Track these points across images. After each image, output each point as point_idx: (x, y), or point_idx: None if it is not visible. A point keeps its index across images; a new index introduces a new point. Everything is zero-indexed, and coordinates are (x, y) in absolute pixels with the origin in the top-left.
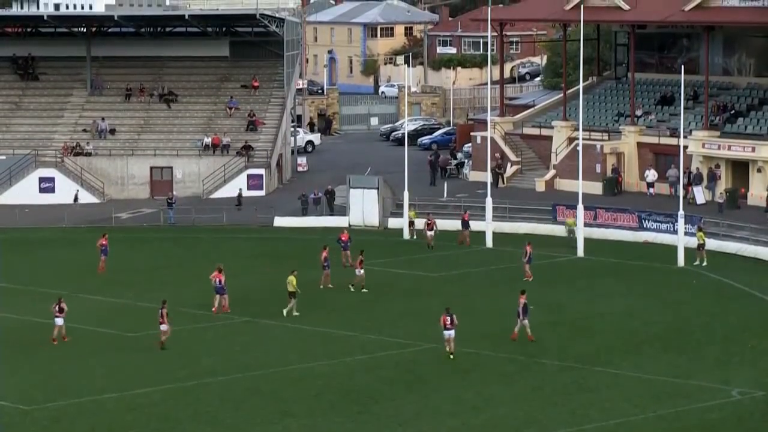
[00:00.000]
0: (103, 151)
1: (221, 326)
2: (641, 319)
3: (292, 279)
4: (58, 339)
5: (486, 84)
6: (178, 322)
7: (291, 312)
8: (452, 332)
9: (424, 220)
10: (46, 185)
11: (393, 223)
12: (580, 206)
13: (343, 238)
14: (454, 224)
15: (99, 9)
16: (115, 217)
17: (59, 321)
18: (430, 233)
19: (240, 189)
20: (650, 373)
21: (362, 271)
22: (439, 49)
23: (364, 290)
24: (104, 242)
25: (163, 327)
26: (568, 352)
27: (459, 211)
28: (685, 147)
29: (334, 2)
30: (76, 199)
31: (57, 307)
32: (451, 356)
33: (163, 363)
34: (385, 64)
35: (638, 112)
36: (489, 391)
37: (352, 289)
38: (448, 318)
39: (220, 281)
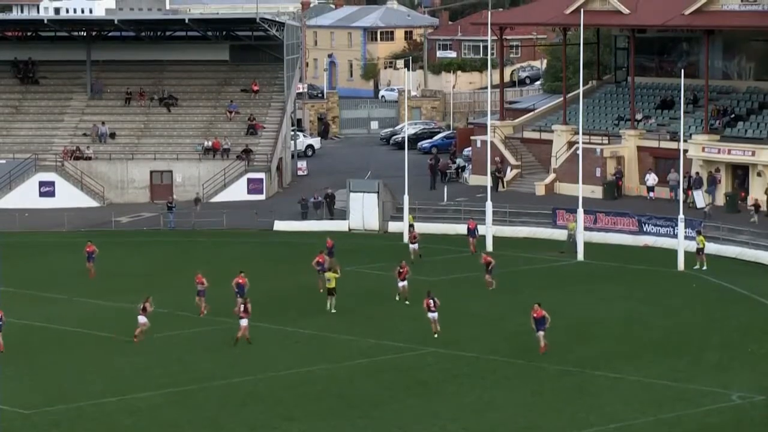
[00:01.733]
0: (103, 155)
1: (221, 330)
2: (641, 323)
3: (331, 276)
4: (140, 336)
5: (486, 88)
6: (177, 326)
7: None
8: (435, 314)
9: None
10: (46, 189)
11: (393, 227)
12: (580, 210)
13: (327, 245)
14: (453, 228)
15: (99, 13)
16: (115, 221)
17: (142, 319)
18: (412, 246)
19: (328, 188)
20: (650, 377)
21: (404, 282)
22: (439, 53)
23: (407, 302)
24: (90, 249)
25: (245, 322)
26: (568, 357)
27: (459, 215)
28: (686, 151)
29: (334, 6)
30: (197, 201)
31: (142, 306)
32: (436, 335)
33: (163, 367)
34: (385, 68)
35: (638, 116)
36: (489, 396)
37: (407, 303)
38: (431, 301)
39: (242, 285)
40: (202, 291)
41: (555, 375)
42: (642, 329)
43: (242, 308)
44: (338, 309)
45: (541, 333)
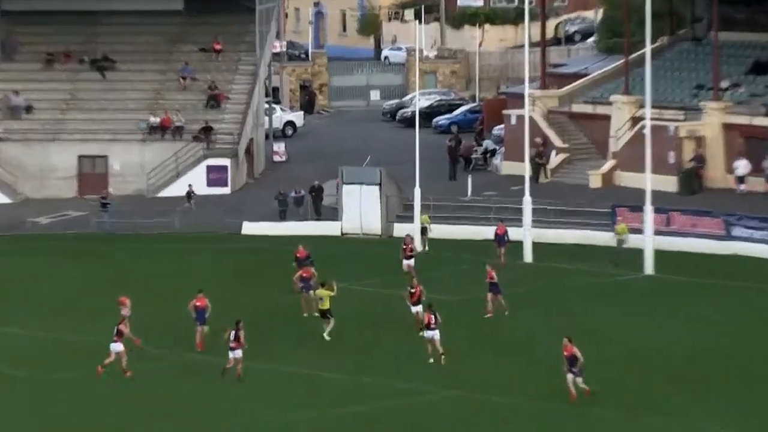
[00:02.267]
0: (17, 135)
1: (172, 366)
2: (726, 359)
3: (323, 293)
4: (110, 369)
5: (523, 46)
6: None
7: (331, 333)
8: (436, 332)
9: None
10: None
11: (400, 229)
12: (648, 208)
13: (298, 255)
14: (480, 231)
15: None
16: (32, 222)
17: (116, 347)
18: (407, 262)
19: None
20: (735, 428)
21: (419, 307)
22: (461, 1)
23: (421, 333)
24: None
25: (238, 353)
26: (627, 399)
27: (487, 214)
28: None
29: None
30: (189, 197)
31: (116, 329)
32: (442, 360)
33: (103, 415)
34: (390, 20)
35: (724, 84)
36: None
37: (421, 334)
38: (432, 317)
39: (202, 308)
40: (126, 317)
41: (610, 422)
42: (727, 366)
43: (232, 335)
44: (325, 340)
45: (576, 377)
